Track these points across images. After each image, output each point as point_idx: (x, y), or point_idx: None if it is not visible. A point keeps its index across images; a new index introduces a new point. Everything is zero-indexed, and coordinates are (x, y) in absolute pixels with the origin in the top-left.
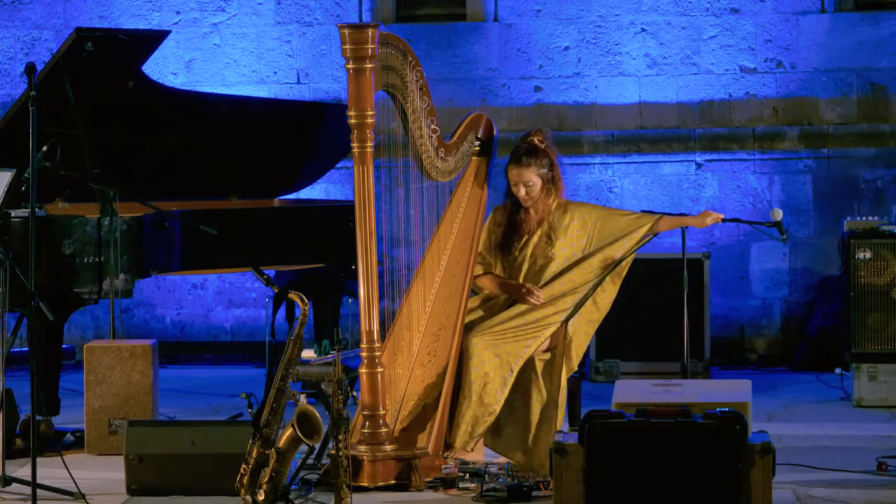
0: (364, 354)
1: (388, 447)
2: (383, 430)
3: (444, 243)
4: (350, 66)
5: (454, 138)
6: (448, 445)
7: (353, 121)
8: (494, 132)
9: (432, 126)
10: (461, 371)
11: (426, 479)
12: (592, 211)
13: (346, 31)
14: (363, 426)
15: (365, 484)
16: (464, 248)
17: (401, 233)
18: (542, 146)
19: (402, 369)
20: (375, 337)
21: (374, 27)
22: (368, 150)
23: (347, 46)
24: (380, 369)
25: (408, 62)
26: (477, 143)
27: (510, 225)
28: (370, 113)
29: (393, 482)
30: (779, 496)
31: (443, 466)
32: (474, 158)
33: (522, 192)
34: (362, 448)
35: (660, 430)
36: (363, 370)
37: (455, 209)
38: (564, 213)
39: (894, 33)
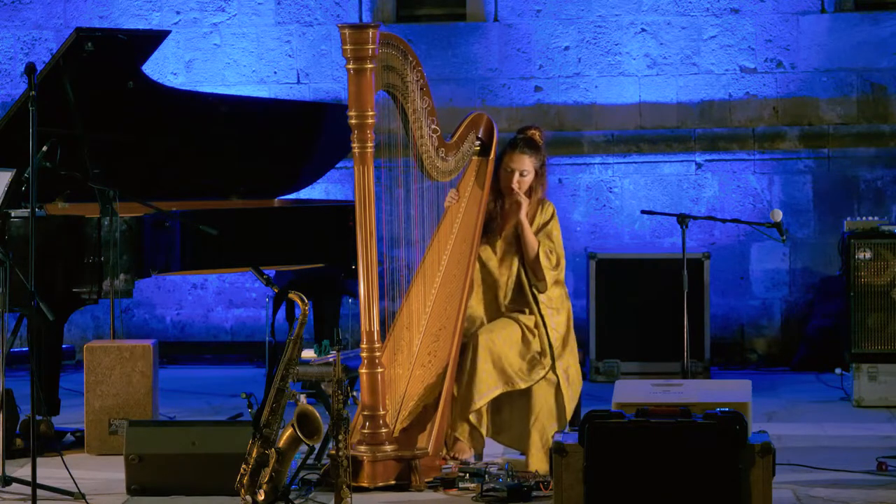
0: (364, 354)
1: (388, 447)
2: (383, 430)
3: (445, 243)
4: (350, 66)
5: (454, 138)
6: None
7: (353, 121)
8: (495, 132)
9: (433, 126)
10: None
11: (426, 480)
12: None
13: (347, 32)
14: (363, 426)
15: (365, 484)
16: (464, 248)
17: (401, 233)
18: (540, 143)
19: (402, 369)
20: (375, 337)
21: (374, 27)
22: (369, 150)
23: (348, 46)
24: (380, 369)
25: (408, 62)
26: (477, 142)
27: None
28: (370, 113)
29: (393, 482)
30: (779, 496)
31: (443, 466)
32: (475, 158)
33: (516, 178)
34: (362, 448)
35: (660, 430)
36: (363, 370)
37: (455, 209)
38: (542, 208)
39: (894, 33)
